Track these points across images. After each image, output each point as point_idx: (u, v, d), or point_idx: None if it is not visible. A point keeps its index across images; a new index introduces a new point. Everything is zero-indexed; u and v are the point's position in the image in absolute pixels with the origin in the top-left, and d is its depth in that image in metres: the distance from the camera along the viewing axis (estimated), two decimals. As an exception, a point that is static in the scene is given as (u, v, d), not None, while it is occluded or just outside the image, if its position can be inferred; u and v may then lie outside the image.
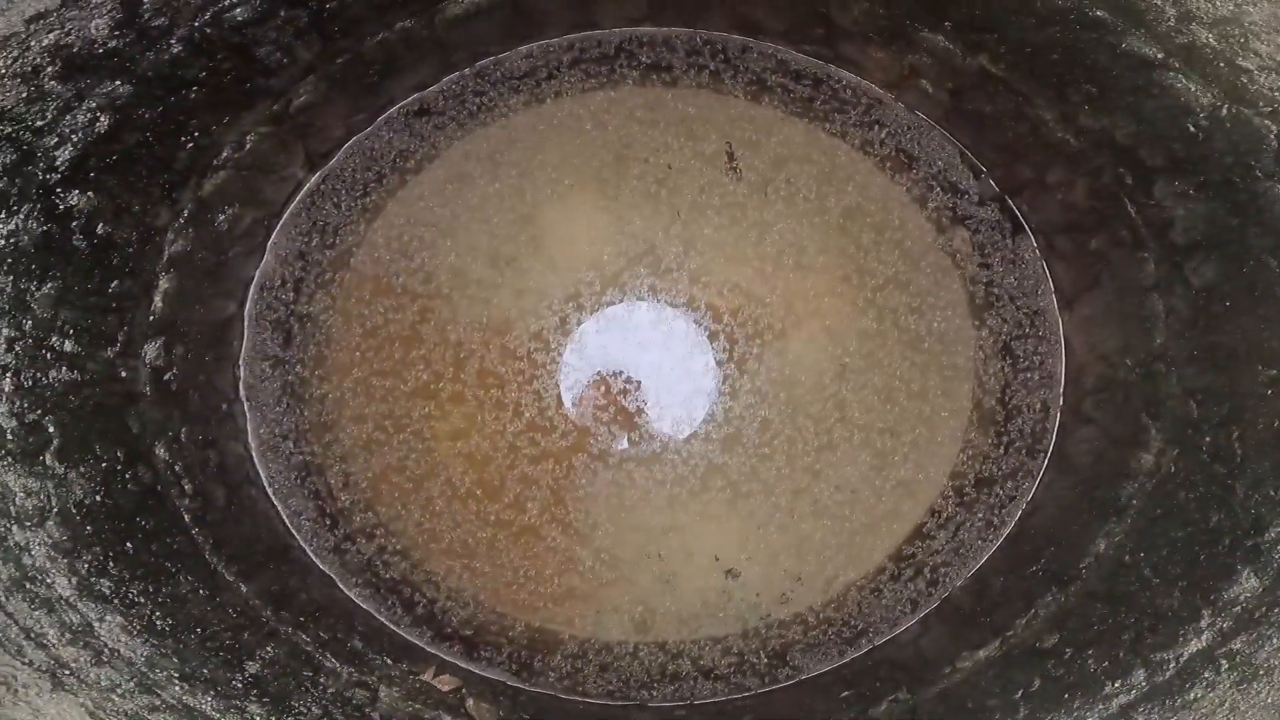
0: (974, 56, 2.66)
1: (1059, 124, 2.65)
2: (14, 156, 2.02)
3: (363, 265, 2.92)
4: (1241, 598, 2.17)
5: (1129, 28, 2.18)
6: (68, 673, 1.94)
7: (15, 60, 1.90)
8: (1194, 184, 2.37)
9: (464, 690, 2.70)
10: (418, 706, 2.56)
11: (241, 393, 2.88)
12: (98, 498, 2.28)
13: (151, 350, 2.59)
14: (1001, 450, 2.95)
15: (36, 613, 1.98)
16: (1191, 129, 2.25)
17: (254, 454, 2.88)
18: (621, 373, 2.93)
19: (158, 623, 2.22)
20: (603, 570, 2.90)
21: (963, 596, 2.92)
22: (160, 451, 2.55)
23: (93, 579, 2.15)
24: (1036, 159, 2.79)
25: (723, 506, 2.92)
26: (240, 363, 2.89)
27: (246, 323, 2.89)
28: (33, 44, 1.90)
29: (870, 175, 2.97)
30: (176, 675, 2.12)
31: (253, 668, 2.34)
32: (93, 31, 2.00)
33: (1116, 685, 2.27)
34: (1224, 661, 2.11)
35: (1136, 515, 2.60)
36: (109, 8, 1.98)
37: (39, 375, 2.20)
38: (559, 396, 2.91)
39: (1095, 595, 2.58)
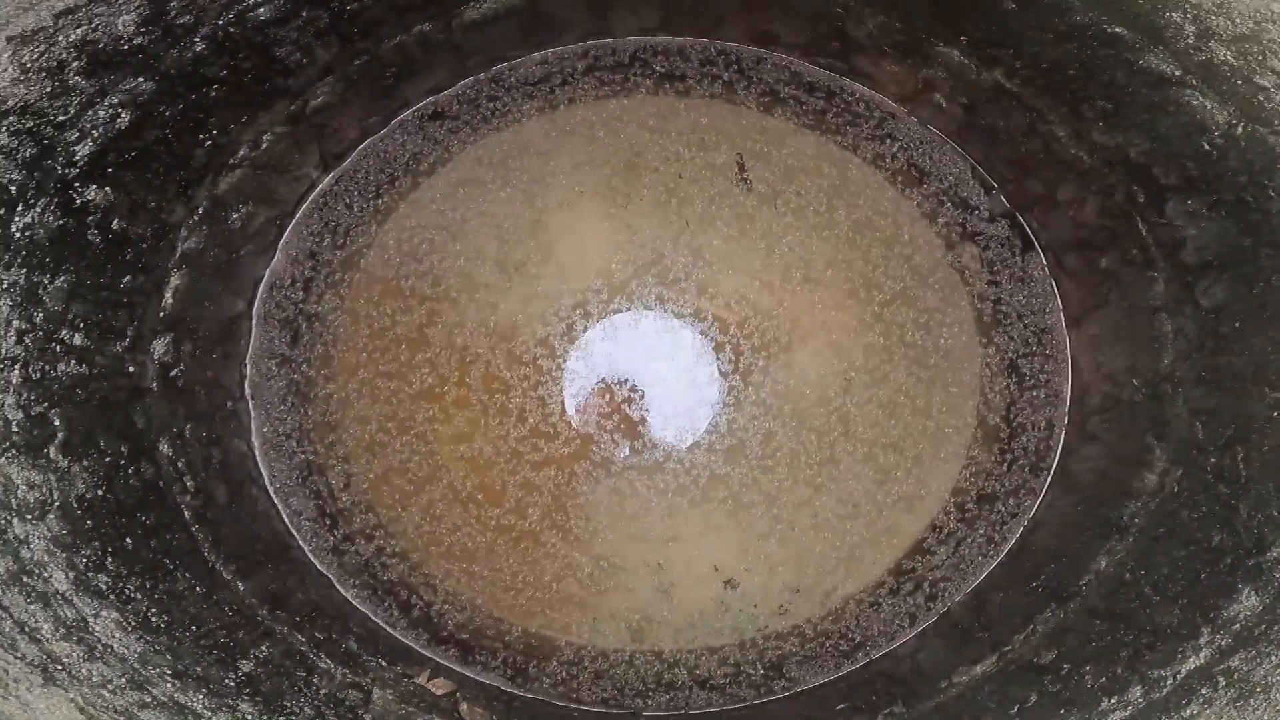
0: (989, 71, 2.65)
1: (1072, 140, 2.64)
2: (34, 150, 2.03)
3: (372, 266, 2.93)
4: (1241, 616, 2.16)
5: (1147, 44, 2.17)
6: (59, 668, 1.95)
7: (42, 55, 1.91)
8: (1207, 203, 2.36)
9: (458, 694, 2.70)
10: (411, 710, 2.56)
11: (247, 391, 2.90)
12: (100, 492, 2.29)
13: (160, 346, 2.60)
14: (1005, 467, 2.94)
15: (32, 606, 1.98)
16: (1206, 147, 2.24)
17: (257, 452, 2.90)
18: (626, 381, 2.93)
19: (153, 619, 2.22)
20: (601, 577, 2.90)
21: (961, 611, 2.91)
22: (164, 447, 2.56)
23: (90, 574, 2.15)
24: (1048, 175, 2.78)
25: (723, 517, 2.91)
26: (247, 361, 2.90)
27: (255, 321, 2.90)
28: (60, 39, 1.92)
29: (881, 189, 2.97)
30: (169, 672, 2.13)
31: (246, 667, 2.35)
32: (119, 28, 2.02)
33: (1113, 701, 2.26)
34: (1221, 679, 2.10)
35: (1138, 534, 2.59)
36: (136, 4, 2.00)
37: (47, 368, 2.22)
38: (563, 403, 2.92)
39: (1094, 612, 2.57)
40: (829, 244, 2.95)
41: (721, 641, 2.91)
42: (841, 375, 2.93)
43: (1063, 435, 2.94)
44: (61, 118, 2.04)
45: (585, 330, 2.93)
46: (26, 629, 1.94)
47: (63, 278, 2.23)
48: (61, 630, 2.00)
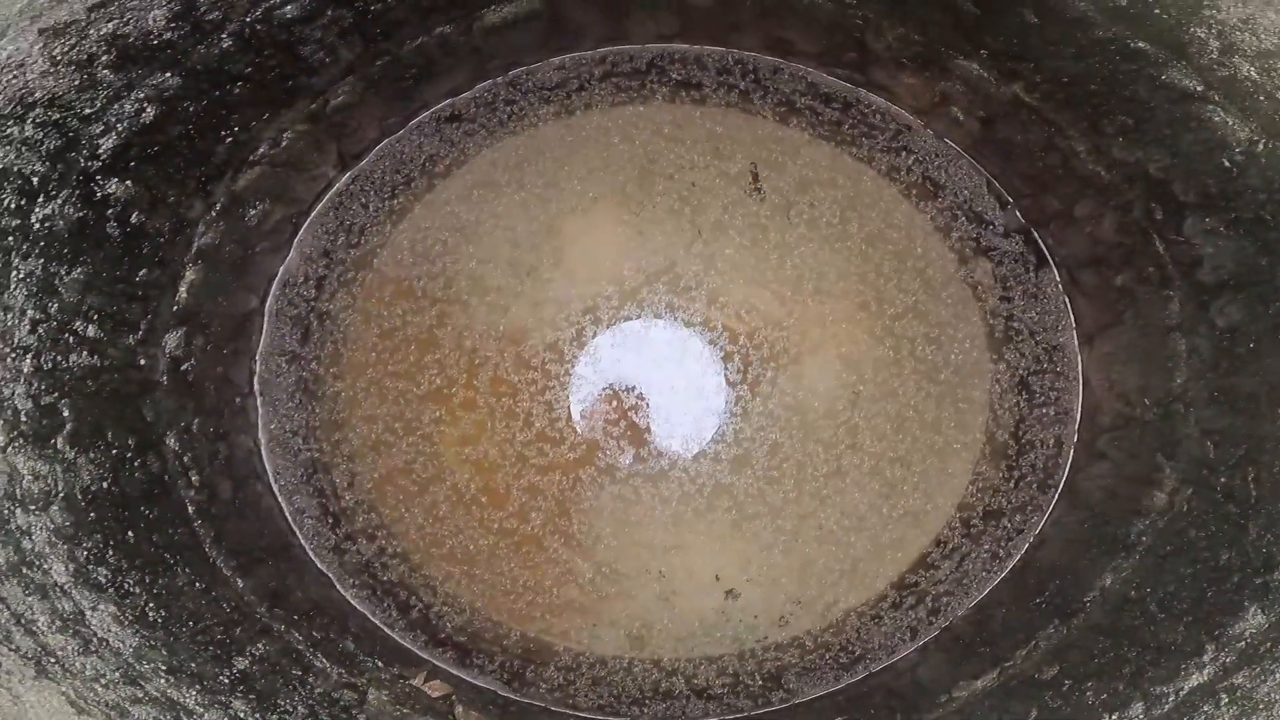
0: (1008, 85, 2.64)
1: (1091, 156, 2.62)
2: (59, 142, 2.05)
3: (385, 266, 2.95)
4: (1247, 633, 2.15)
5: (1170, 59, 2.16)
6: (53, 660, 1.95)
7: (73, 47, 1.93)
8: (1225, 221, 2.34)
9: (453, 697, 2.70)
10: (406, 711, 2.56)
11: (256, 387, 2.91)
12: (104, 484, 2.30)
13: (172, 340, 2.62)
14: (1012, 484, 2.92)
15: (30, 598, 1.99)
16: (1226, 164, 2.23)
17: (263, 449, 2.91)
18: (634, 389, 2.93)
19: (150, 614, 2.23)
20: (603, 584, 2.90)
21: (963, 626, 2.89)
22: (171, 442, 2.58)
23: (90, 566, 2.16)
24: (1065, 191, 2.76)
25: (727, 527, 2.91)
26: (257, 357, 2.92)
27: (266, 318, 2.92)
28: (91, 32, 1.94)
29: (895, 202, 2.96)
30: (163, 668, 2.13)
31: (241, 664, 2.35)
32: (150, 22, 2.03)
33: (1114, 718, 2.25)
34: (1224, 695, 2.09)
35: (1145, 552, 2.57)
36: (168, -1, 2.02)
37: (59, 359, 2.23)
38: (570, 408, 2.92)
39: (1098, 628, 2.55)
40: (841, 256, 2.94)
41: (721, 651, 2.90)
42: (850, 388, 2.92)
43: (1071, 453, 2.91)
44: (88, 111, 2.06)
45: (594, 336, 2.93)
46: (23, 621, 1.95)
47: (79, 269, 2.24)
48: (58, 623, 2.00)
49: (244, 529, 2.73)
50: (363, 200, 2.97)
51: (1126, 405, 2.76)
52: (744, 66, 2.98)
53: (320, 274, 2.94)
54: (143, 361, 2.53)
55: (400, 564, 2.91)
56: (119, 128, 2.16)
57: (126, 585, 2.22)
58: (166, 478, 2.53)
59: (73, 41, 1.92)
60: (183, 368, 2.65)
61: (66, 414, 2.24)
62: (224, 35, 2.23)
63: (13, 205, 2.02)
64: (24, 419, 2.12)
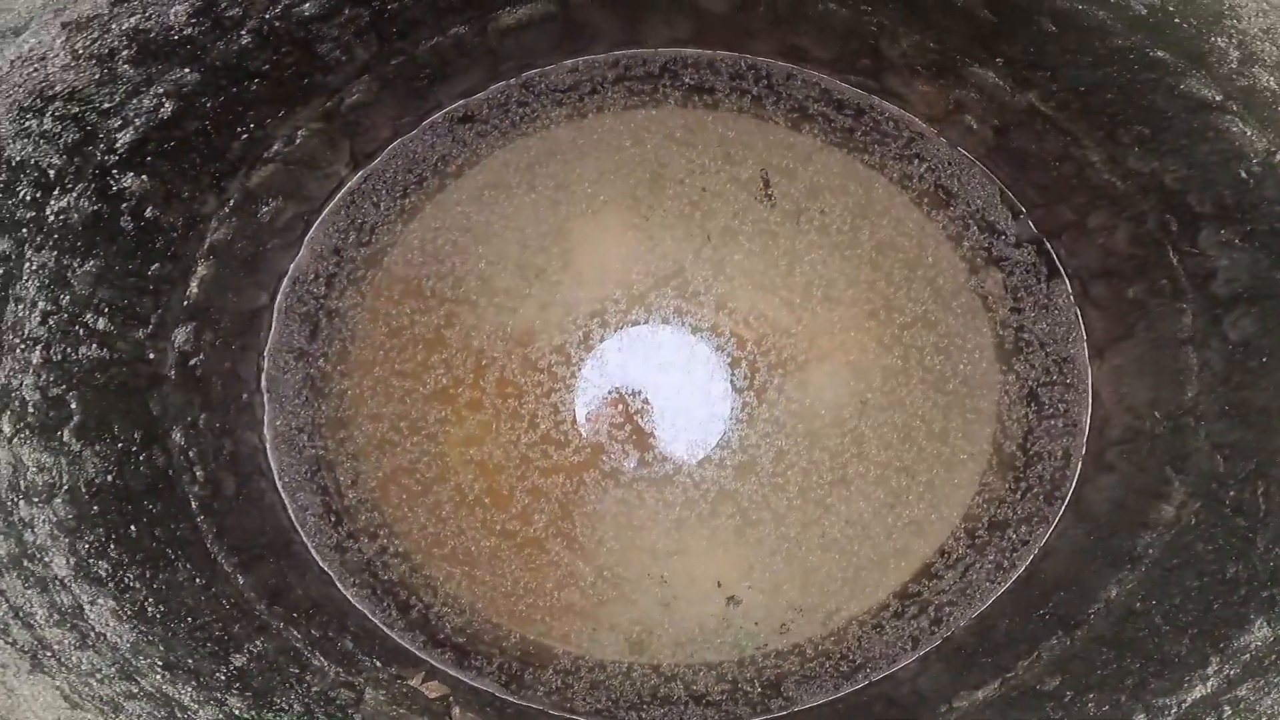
0: (1023, 94, 2.62)
1: (1106, 165, 2.60)
2: (77, 136, 2.06)
3: (395, 265, 2.95)
4: (1252, 646, 2.14)
5: (1189, 69, 2.14)
6: (49, 654, 1.96)
7: (95, 41, 1.94)
8: (1240, 233, 2.32)
9: (451, 698, 2.70)
10: (402, 711, 2.56)
11: (263, 383, 2.93)
12: (109, 478, 2.30)
13: (182, 335, 2.63)
14: (1018, 495, 2.90)
15: (29, 591, 1.99)
16: (1243, 175, 2.21)
17: (268, 445, 2.92)
18: (640, 393, 2.93)
19: (149, 609, 2.23)
20: (604, 588, 2.90)
21: (965, 636, 2.88)
22: (177, 436, 2.59)
23: (91, 560, 2.17)
24: (1079, 201, 2.74)
25: (730, 533, 2.90)
26: (265, 353, 2.93)
27: (276, 314, 2.93)
28: (114, 26, 1.95)
29: (906, 210, 2.94)
30: (160, 663, 2.13)
31: (239, 661, 2.35)
32: (171, 18, 2.04)
33: (1115, 729, 2.24)
34: (1227, 708, 2.07)
35: (1151, 564, 2.56)
36: (191, -6, 2.03)
37: (69, 351, 2.24)
38: (576, 411, 2.92)
39: (1102, 640, 2.54)
40: (851, 264, 2.93)
41: (720, 658, 2.90)
42: (858, 397, 2.90)
43: (1079, 465, 2.89)
44: (106, 105, 2.07)
45: (602, 340, 2.93)
46: (21, 614, 1.95)
47: (92, 262, 2.25)
48: (56, 616, 2.01)
49: (246, 525, 2.73)
50: (374, 199, 2.98)
51: (1136, 418, 2.74)
52: (757, 72, 2.97)
53: (330, 271, 2.96)
54: (152, 355, 2.54)
55: (401, 563, 2.92)
56: (137, 122, 2.17)
57: (127, 580, 2.23)
58: (171, 472, 2.54)
59: (95, 35, 1.93)
60: (191, 362, 2.66)
61: (74, 406, 2.25)
62: (243, 32, 2.24)
63: (29, 197, 2.03)
64: (31, 410, 2.13)
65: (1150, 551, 2.57)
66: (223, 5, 2.13)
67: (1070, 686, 2.48)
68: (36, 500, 2.10)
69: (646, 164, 2.97)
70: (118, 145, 2.17)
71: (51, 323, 2.18)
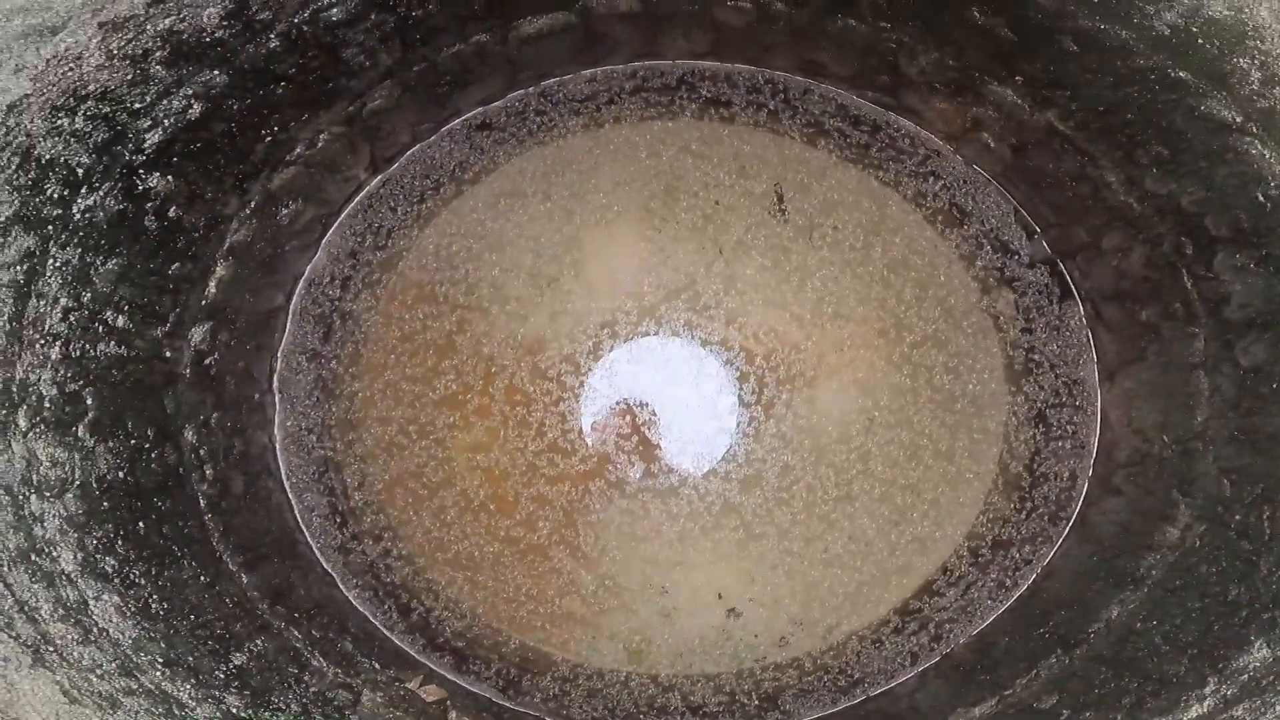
0: (1042, 112, 2.61)
1: (1123, 187, 2.58)
2: (106, 135, 2.08)
3: (409, 270, 2.98)
4: (1251, 666, 2.13)
5: (1210, 90, 2.13)
6: (51, 649, 1.97)
7: (129, 42, 1.96)
8: (1255, 257, 2.30)
9: (448, 703, 2.72)
10: (399, 714, 2.58)
11: (275, 384, 2.96)
12: (120, 474, 2.33)
13: (198, 334, 2.66)
14: (1023, 515, 2.89)
15: (35, 586, 2.01)
16: (1260, 198, 2.20)
17: (277, 445, 2.95)
18: (648, 404, 2.94)
19: (153, 606, 2.25)
20: (605, 597, 2.91)
21: (965, 653, 2.87)
22: (189, 434, 2.62)
23: (98, 556, 2.19)
24: (1095, 222, 2.73)
25: (733, 546, 2.91)
26: (279, 354, 2.96)
27: (291, 315, 2.96)
28: (149, 28, 1.97)
29: (919, 228, 2.94)
30: (160, 660, 2.15)
31: (239, 659, 2.37)
32: (204, 20, 2.07)
33: (1110, 747, 2.24)
34: (1223, 728, 2.08)
35: (1154, 585, 2.55)
36: (225, -3, 2.06)
37: (87, 347, 2.26)
38: (583, 421, 2.93)
39: (1100, 659, 2.53)
40: (862, 281, 2.93)
41: (719, 669, 2.90)
42: (865, 414, 2.90)
43: (1086, 487, 2.88)
44: (137, 105, 2.09)
45: (611, 350, 2.94)
46: (26, 608, 1.97)
47: (115, 260, 2.28)
48: (60, 611, 2.02)
49: (252, 524, 2.76)
50: (391, 204, 3.01)
51: (1144, 441, 2.73)
52: (774, 86, 2.98)
53: (346, 274, 2.99)
54: (168, 353, 2.56)
55: (404, 566, 2.94)
56: (165, 123, 2.20)
57: (132, 576, 2.25)
58: (181, 470, 2.57)
59: (130, 36, 1.95)
60: (206, 361, 2.69)
61: (90, 402, 2.28)
62: (272, 35, 2.26)
63: (56, 195, 2.05)
64: (47, 405, 2.15)
65: (1153, 573, 2.56)
66: (254, 9, 2.15)
67: (1067, 705, 2.47)
68: (48, 495, 2.12)
69: (661, 176, 2.98)
70: (145, 145, 2.20)
71: (72, 319, 2.21)
